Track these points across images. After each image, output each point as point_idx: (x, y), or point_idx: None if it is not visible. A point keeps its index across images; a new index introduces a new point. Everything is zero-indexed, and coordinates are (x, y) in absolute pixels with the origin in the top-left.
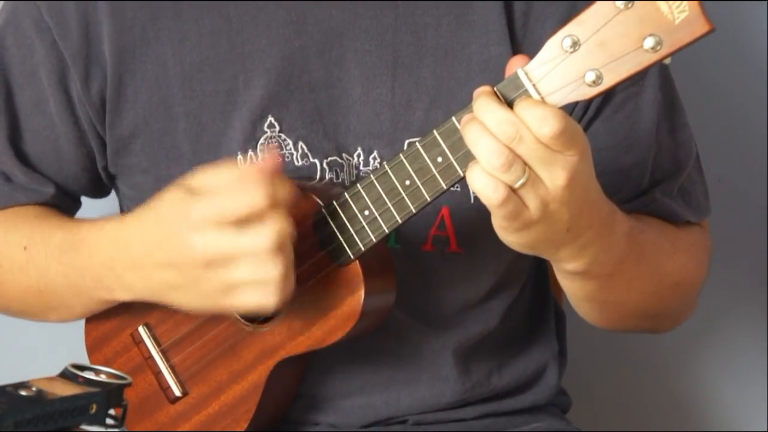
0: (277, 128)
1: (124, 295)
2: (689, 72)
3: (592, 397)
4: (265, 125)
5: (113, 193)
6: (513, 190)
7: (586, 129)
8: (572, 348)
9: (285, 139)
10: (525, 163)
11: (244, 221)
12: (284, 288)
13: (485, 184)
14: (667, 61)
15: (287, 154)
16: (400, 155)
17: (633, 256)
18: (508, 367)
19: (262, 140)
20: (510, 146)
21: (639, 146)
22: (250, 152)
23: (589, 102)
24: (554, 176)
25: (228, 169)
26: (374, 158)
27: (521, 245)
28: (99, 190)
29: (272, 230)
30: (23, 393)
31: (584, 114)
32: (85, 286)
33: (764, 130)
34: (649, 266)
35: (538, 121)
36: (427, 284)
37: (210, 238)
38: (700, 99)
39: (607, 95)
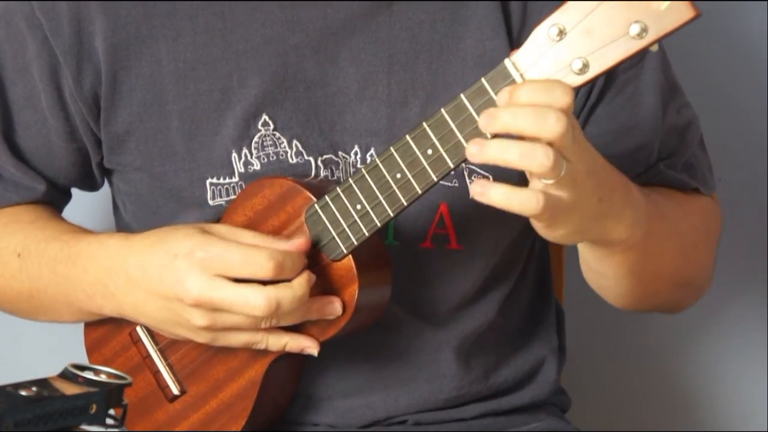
0: (272, 126)
1: (112, 311)
2: (689, 72)
3: (592, 397)
4: (260, 123)
5: (106, 187)
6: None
7: (589, 115)
8: (571, 347)
9: (279, 138)
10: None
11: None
12: (274, 342)
13: (523, 199)
14: (654, 48)
15: (281, 153)
16: (391, 148)
17: (655, 214)
18: (507, 362)
19: (256, 138)
20: (559, 142)
21: (642, 128)
22: (245, 150)
23: (591, 88)
24: (577, 149)
25: (250, 233)
26: (371, 155)
27: (570, 234)
28: (90, 184)
29: (263, 297)
30: (23, 393)
31: (587, 100)
32: (76, 297)
33: (764, 130)
34: (670, 224)
35: (557, 94)
36: (426, 281)
37: (205, 282)
38: (701, 99)
39: (609, 80)
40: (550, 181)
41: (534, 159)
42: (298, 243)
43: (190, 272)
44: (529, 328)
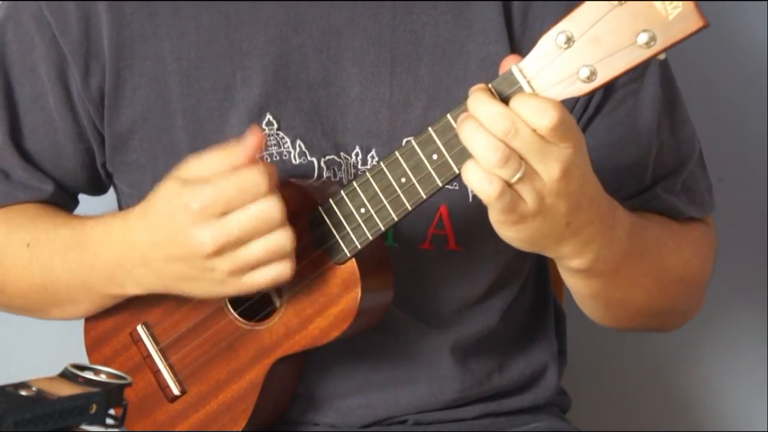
0: (275, 126)
1: (136, 290)
2: (689, 72)
3: (592, 397)
4: (263, 123)
5: (112, 191)
6: (509, 185)
7: (586, 127)
8: (572, 348)
9: (283, 137)
10: (520, 157)
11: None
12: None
13: (480, 178)
14: (662, 56)
15: (285, 153)
16: (396, 152)
17: (636, 252)
18: (508, 367)
19: None
20: (505, 140)
21: (639, 143)
22: None
23: (589, 100)
24: (549, 168)
25: (217, 155)
26: (372, 157)
27: (520, 240)
28: (97, 187)
29: (276, 203)
30: (23, 393)
31: (584, 112)
32: (95, 282)
33: (764, 130)
34: (653, 262)
35: (538, 113)
36: (426, 282)
37: (215, 227)
38: (701, 99)
39: (607, 92)
40: (516, 177)
41: (487, 155)
42: (253, 138)
43: (195, 225)
44: (530, 333)
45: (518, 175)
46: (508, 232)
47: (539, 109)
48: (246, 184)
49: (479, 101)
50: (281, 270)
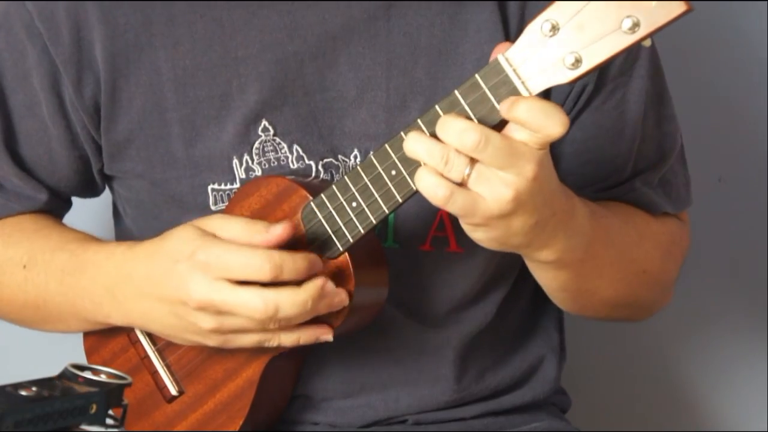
0: (272, 132)
1: (120, 321)
2: (690, 72)
3: (592, 397)
4: (260, 129)
5: (106, 192)
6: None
7: (575, 119)
8: (572, 347)
9: (279, 143)
10: (471, 159)
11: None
12: (286, 338)
13: (428, 184)
14: (647, 42)
15: (282, 158)
16: (385, 144)
17: (600, 240)
18: (506, 361)
19: (256, 144)
20: (476, 152)
21: (625, 135)
22: (246, 156)
23: (580, 93)
24: (523, 170)
25: (241, 222)
26: None
27: (489, 240)
28: (91, 191)
29: (264, 299)
30: (23, 393)
31: (575, 105)
32: (83, 307)
33: (764, 130)
34: (617, 250)
35: (552, 122)
36: (425, 283)
37: (208, 285)
38: (701, 99)
39: (598, 86)
40: (466, 173)
41: (429, 160)
42: (280, 231)
43: (191, 276)
44: (529, 326)
45: (467, 171)
46: (477, 233)
47: (552, 115)
48: (249, 262)
49: (444, 121)
50: (267, 339)
